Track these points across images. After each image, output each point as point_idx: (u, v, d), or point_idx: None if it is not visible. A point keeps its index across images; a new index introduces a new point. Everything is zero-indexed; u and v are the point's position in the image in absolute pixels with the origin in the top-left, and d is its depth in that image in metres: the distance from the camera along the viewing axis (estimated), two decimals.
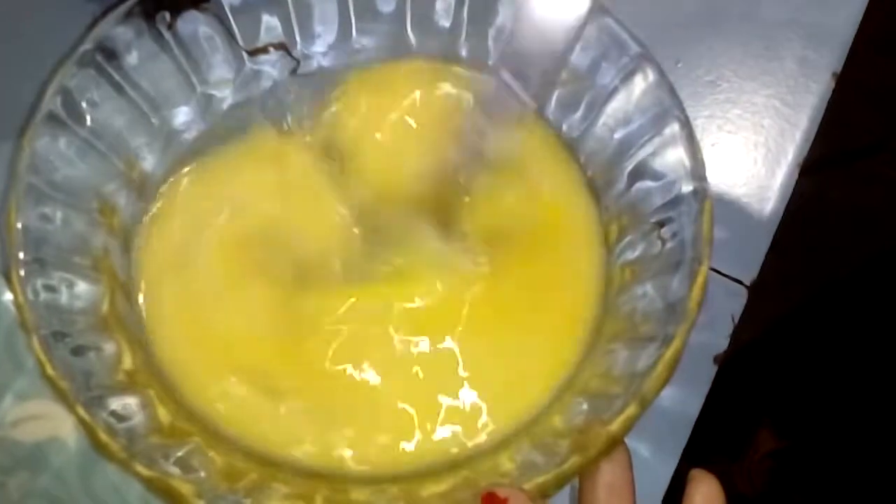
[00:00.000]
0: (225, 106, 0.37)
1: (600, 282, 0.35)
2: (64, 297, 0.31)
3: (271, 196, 0.36)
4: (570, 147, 0.36)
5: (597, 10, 0.34)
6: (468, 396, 0.33)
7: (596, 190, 0.36)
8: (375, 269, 0.36)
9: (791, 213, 0.42)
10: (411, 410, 0.33)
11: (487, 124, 0.36)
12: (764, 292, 0.40)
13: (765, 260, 0.40)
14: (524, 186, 0.37)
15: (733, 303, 0.40)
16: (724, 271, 0.40)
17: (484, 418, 0.33)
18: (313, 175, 0.37)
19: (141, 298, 0.34)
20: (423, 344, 0.34)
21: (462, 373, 0.34)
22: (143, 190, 0.35)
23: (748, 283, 0.40)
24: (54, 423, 0.35)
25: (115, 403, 0.29)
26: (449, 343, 0.34)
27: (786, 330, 0.67)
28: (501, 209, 0.36)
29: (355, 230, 0.36)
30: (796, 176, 0.42)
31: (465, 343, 0.34)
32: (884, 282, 0.66)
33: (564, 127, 0.36)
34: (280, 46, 0.37)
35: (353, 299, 0.35)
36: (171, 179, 0.36)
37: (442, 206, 0.36)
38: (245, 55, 0.36)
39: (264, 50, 0.37)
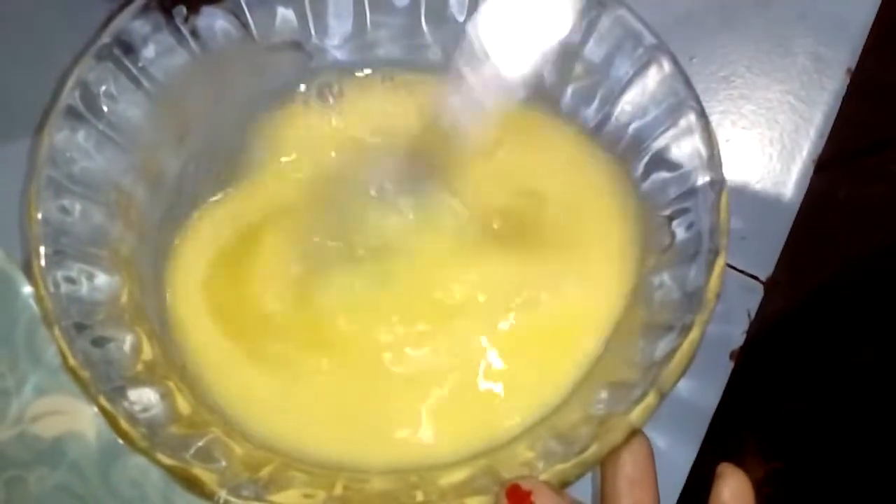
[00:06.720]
0: (240, 98, 0.37)
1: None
2: (84, 289, 0.31)
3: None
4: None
5: (611, 1, 0.34)
6: (490, 386, 0.33)
7: None
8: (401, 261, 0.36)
9: (805, 210, 0.42)
10: (432, 401, 0.33)
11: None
12: (777, 288, 0.40)
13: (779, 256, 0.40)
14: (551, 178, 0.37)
15: (749, 298, 0.40)
16: (739, 267, 0.40)
17: (506, 409, 0.33)
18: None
19: (165, 291, 0.35)
20: (444, 335, 0.34)
21: (484, 363, 0.34)
22: (160, 183, 0.35)
23: (764, 279, 0.40)
24: (74, 418, 0.35)
25: (135, 394, 0.29)
26: (471, 334, 0.34)
27: (797, 327, 0.67)
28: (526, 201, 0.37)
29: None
30: (811, 172, 0.42)
31: (487, 333, 0.34)
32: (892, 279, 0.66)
33: (580, 119, 0.36)
34: (294, 45, 0.37)
35: (377, 292, 0.35)
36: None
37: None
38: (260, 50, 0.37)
39: (279, 48, 0.37)
